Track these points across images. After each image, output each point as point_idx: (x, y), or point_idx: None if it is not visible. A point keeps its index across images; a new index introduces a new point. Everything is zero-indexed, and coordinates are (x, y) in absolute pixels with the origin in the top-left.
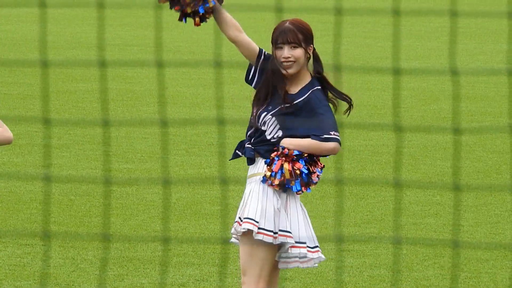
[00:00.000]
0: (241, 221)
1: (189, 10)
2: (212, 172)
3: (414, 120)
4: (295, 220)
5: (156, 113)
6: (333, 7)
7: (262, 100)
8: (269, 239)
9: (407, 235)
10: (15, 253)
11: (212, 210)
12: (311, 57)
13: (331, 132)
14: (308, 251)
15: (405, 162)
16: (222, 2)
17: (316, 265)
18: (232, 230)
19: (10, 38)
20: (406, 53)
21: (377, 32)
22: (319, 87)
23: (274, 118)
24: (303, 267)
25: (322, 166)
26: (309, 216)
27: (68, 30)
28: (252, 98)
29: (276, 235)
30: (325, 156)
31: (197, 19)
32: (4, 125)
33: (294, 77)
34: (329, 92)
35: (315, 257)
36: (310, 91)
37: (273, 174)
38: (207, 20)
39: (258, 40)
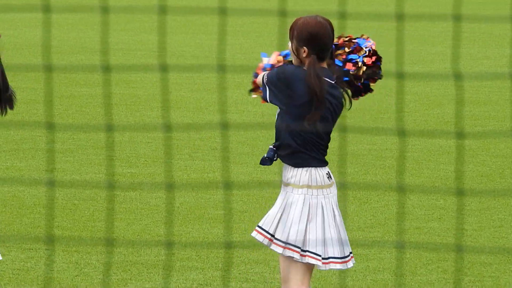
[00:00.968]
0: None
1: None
2: (216, 177)
3: (417, 125)
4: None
5: (160, 117)
6: (337, 11)
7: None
8: (315, 262)
9: (411, 239)
10: (18, 257)
11: (216, 215)
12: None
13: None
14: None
15: (408, 166)
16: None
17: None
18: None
19: (13, 43)
20: (410, 57)
21: (380, 37)
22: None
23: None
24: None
25: None
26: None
27: (71, 34)
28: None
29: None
30: None
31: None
32: None
33: None
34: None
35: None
36: None
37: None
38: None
39: (262, 45)
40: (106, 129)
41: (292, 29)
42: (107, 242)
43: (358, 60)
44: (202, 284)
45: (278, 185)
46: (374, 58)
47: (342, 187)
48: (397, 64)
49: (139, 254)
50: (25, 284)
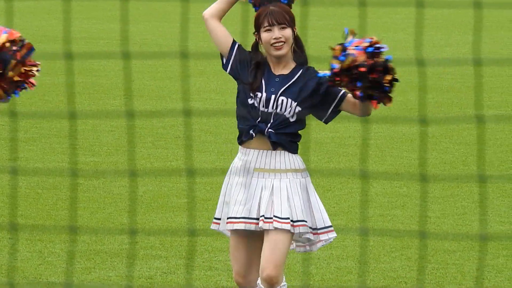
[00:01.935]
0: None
1: None
2: (179, 165)
3: (380, 112)
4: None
5: (123, 105)
6: None
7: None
8: (306, 229)
9: (374, 226)
10: None
11: (179, 203)
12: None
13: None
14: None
15: (371, 153)
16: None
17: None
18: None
19: None
20: None
21: (343, 24)
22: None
23: (285, 98)
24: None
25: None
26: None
27: (34, 23)
28: (243, 89)
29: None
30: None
31: None
32: None
33: (282, 60)
34: None
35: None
36: (304, 67)
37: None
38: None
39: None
40: (69, 118)
41: (289, 13)
42: (70, 231)
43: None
44: (165, 273)
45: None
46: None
47: None
48: None
49: (102, 243)
50: None
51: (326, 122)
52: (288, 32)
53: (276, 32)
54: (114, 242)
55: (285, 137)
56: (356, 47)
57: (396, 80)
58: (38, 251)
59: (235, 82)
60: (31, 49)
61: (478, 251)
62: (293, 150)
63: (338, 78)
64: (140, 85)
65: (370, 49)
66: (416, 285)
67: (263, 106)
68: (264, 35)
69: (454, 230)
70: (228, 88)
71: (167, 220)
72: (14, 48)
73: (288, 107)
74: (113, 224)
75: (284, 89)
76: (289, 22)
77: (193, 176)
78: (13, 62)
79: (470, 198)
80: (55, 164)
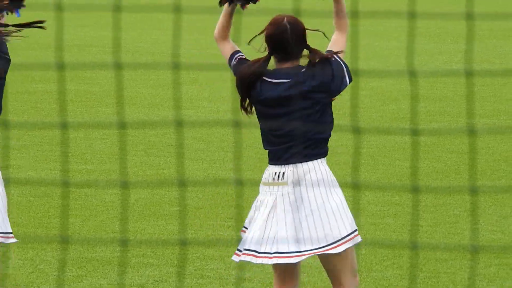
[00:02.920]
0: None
1: None
2: (171, 173)
3: (372, 121)
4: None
5: (115, 114)
6: (292, 8)
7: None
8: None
9: (366, 235)
10: None
11: (171, 211)
12: None
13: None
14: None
15: (363, 162)
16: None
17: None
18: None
19: None
20: (365, 52)
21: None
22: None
23: None
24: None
25: None
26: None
27: (26, 31)
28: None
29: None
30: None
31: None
32: None
33: None
34: None
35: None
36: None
37: None
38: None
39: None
40: (61, 126)
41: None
42: (62, 239)
43: None
44: (157, 281)
45: (232, 181)
46: None
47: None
48: (352, 60)
49: (94, 251)
50: None
51: None
52: None
53: None
54: (106, 250)
55: None
56: None
57: None
58: (29, 259)
59: (228, 90)
60: None
61: (470, 260)
62: None
63: None
64: (132, 93)
65: None
66: None
67: None
68: None
69: (446, 239)
70: (220, 96)
71: (159, 228)
72: None
73: None
74: (104, 232)
75: None
76: None
77: (185, 185)
78: None
79: (462, 207)
80: (47, 172)
